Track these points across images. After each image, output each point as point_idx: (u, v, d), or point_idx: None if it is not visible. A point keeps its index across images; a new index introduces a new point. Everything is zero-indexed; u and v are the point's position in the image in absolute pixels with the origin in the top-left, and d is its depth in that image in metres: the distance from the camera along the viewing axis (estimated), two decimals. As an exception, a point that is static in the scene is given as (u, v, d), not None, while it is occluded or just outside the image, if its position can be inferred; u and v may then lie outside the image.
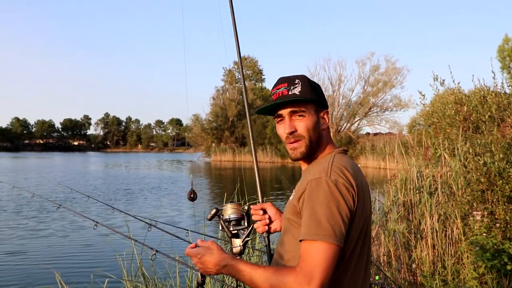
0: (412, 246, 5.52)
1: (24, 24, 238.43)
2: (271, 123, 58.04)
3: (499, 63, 21.50)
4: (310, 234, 1.50)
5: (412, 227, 5.63)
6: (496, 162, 4.79)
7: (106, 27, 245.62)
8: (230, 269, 1.63)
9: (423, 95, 8.66)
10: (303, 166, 1.86)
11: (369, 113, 52.00)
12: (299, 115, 1.76)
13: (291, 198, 1.76)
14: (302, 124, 1.75)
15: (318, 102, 1.78)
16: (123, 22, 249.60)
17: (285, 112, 1.77)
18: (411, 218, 5.75)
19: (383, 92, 50.71)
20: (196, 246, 1.77)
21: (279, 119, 1.81)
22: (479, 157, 5.07)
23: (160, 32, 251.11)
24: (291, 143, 1.77)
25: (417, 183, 5.98)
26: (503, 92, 6.51)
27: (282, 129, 1.79)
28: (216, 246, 1.71)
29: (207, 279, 3.07)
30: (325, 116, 1.82)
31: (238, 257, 1.71)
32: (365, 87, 51.69)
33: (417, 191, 5.84)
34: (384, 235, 5.58)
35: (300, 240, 1.54)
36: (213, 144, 65.06)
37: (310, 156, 1.80)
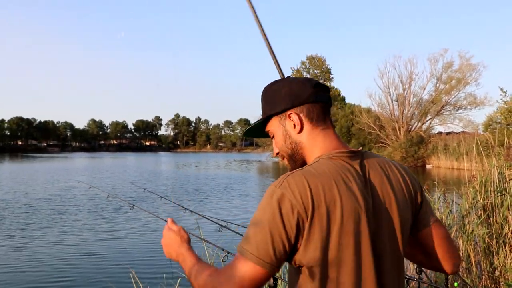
0: (493, 252, 5.26)
1: (92, 29, 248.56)
2: (340, 122, 57.64)
3: None
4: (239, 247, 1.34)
5: (494, 232, 5.35)
6: None
7: (175, 31, 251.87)
8: (178, 256, 1.56)
9: (505, 92, 8.25)
10: None
11: (442, 111, 50.34)
12: (272, 137, 1.59)
13: None
14: (276, 143, 1.57)
15: (275, 113, 1.53)
16: (190, 25, 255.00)
17: None
18: (492, 222, 5.47)
19: (457, 90, 48.89)
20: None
21: None
22: None
23: (228, 34, 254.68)
24: (282, 159, 1.61)
25: (499, 185, 5.68)
26: None
27: None
28: (181, 231, 1.62)
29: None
30: (293, 117, 1.49)
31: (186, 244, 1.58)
32: (437, 85, 50.11)
33: (499, 194, 5.55)
34: (463, 239, 5.34)
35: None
36: (281, 144, 65.24)
37: (302, 164, 1.50)
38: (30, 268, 8.52)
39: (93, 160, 67.13)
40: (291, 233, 1.27)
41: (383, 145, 50.31)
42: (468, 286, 4.56)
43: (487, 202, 5.61)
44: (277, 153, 1.57)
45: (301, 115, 1.47)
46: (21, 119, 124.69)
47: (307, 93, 1.47)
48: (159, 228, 11.92)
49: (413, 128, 50.41)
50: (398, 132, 49.35)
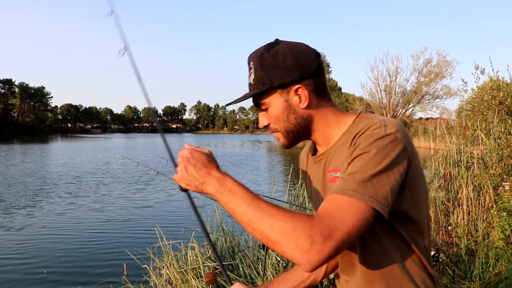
0: (450, 213, 5.47)
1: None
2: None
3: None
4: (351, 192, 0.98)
5: (451, 196, 5.56)
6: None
7: (201, 27, 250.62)
8: (217, 185, 1.02)
9: (465, 82, 8.42)
10: (320, 149, 1.26)
11: (422, 100, 50.32)
12: (263, 109, 1.21)
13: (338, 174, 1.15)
14: (269, 117, 1.20)
15: (277, 85, 1.15)
16: (209, 22, 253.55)
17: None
18: (450, 189, 5.67)
19: (435, 82, 48.86)
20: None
21: None
22: (510, 136, 4.93)
23: (244, 29, 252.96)
24: (273, 132, 1.25)
25: (456, 158, 5.87)
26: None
27: None
28: (213, 157, 1.12)
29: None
30: (300, 92, 1.15)
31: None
32: (419, 78, 49.97)
33: (456, 165, 5.74)
34: (426, 202, 5.53)
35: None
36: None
37: (301, 140, 1.24)
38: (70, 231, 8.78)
39: (129, 139, 67.64)
40: (403, 175, 1.04)
41: (373, 128, 50.25)
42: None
43: (446, 172, 5.81)
44: (265, 126, 1.23)
45: (309, 88, 1.15)
46: (70, 105, 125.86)
47: (314, 65, 1.15)
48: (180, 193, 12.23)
49: (398, 114, 50.29)
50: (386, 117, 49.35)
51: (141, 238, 7.54)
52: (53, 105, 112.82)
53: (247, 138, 78.94)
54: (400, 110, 50.95)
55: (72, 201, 11.53)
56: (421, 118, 49.24)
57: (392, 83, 50.66)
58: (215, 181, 1.02)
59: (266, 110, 1.20)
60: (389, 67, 52.23)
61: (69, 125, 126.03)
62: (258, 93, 1.17)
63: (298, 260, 0.92)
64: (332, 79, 72.65)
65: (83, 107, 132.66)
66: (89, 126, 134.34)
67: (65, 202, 11.30)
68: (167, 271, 4.11)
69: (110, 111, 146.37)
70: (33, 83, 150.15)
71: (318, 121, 1.19)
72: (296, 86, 1.14)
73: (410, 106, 51.14)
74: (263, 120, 1.22)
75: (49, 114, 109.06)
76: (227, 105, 1.25)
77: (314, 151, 1.32)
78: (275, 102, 1.17)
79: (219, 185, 1.02)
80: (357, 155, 1.03)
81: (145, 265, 4.31)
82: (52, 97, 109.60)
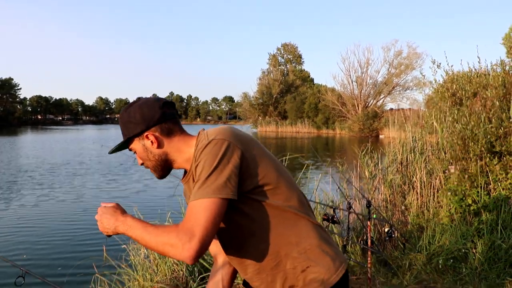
0: (405, 194, 5.95)
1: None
2: (309, 99, 58.07)
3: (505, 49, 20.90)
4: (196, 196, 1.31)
5: (406, 179, 6.05)
6: (469, 128, 5.13)
7: (171, 20, 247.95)
8: (122, 226, 1.36)
9: (423, 75, 8.97)
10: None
11: (393, 91, 51.51)
12: (134, 152, 1.56)
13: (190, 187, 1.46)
14: (139, 158, 1.56)
15: (133, 136, 1.50)
16: (183, 16, 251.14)
17: None
18: (406, 173, 6.15)
19: (405, 74, 50.09)
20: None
21: None
22: (457, 124, 5.40)
23: (217, 23, 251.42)
24: (147, 168, 1.58)
25: (412, 145, 6.35)
26: (487, 73, 6.70)
27: None
28: (119, 206, 1.44)
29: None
30: (149, 137, 1.49)
31: (128, 214, 1.41)
32: (390, 69, 51.14)
33: (411, 152, 6.22)
34: (384, 185, 6.00)
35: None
36: (260, 118, 65.80)
37: (169, 170, 1.57)
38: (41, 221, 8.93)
39: (101, 131, 66.97)
40: (238, 163, 1.35)
41: (344, 118, 51.08)
42: (383, 218, 5.21)
43: (403, 158, 6.30)
44: (142, 164, 1.56)
45: (156, 133, 1.48)
46: (40, 97, 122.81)
47: (157, 115, 1.48)
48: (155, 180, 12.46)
49: (369, 104, 51.29)
50: (357, 108, 50.20)
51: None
52: (22, 96, 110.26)
53: (221, 129, 78.24)
54: (371, 101, 52.00)
55: (46, 192, 11.58)
56: (392, 109, 50.27)
57: (363, 75, 51.80)
58: (120, 224, 1.37)
59: (135, 153, 1.54)
60: (360, 59, 53.23)
61: (39, 117, 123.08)
62: (126, 142, 1.53)
63: (180, 258, 1.26)
64: (304, 70, 73.41)
65: (53, 99, 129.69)
66: (60, 118, 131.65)
67: (39, 194, 11.33)
68: (145, 249, 4.46)
69: (81, 103, 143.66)
70: (0, 74, 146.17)
71: (173, 153, 1.51)
72: (146, 133, 1.48)
73: (381, 97, 52.29)
74: (138, 160, 1.57)
75: (18, 106, 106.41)
76: (110, 153, 1.61)
77: (184, 174, 1.59)
78: (137, 147, 1.52)
79: (123, 225, 1.36)
80: (196, 166, 1.36)
81: (124, 245, 4.62)
82: (20, 88, 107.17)
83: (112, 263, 4.37)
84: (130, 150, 1.56)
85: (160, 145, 1.49)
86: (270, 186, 1.41)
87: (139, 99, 1.55)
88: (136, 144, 1.52)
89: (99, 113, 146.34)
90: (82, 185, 12.90)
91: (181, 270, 4.14)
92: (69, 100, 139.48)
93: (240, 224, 1.44)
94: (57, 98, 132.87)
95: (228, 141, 1.35)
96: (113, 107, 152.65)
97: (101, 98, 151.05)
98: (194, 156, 1.39)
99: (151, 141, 1.48)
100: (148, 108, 1.48)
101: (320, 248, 1.47)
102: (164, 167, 1.54)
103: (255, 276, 1.52)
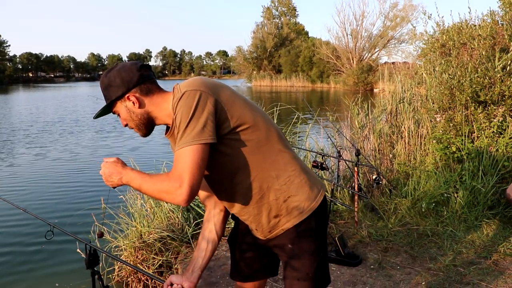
0: (394, 143, 6.12)
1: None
2: (303, 53, 57.57)
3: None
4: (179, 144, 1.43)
5: (394, 129, 6.20)
6: (456, 78, 5.23)
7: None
8: (125, 177, 1.51)
9: (414, 27, 8.98)
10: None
11: (388, 44, 50.97)
12: (118, 115, 1.66)
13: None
14: (123, 120, 1.65)
15: (115, 98, 1.60)
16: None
17: None
18: (394, 123, 6.30)
19: (400, 27, 49.37)
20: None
21: None
22: (444, 74, 5.50)
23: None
24: (131, 129, 1.69)
25: (401, 96, 6.47)
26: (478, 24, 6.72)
27: None
28: (119, 160, 1.56)
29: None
30: (131, 98, 1.58)
31: (128, 167, 1.55)
32: (385, 22, 50.41)
33: (401, 102, 6.34)
34: (373, 135, 6.15)
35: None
36: (254, 72, 65.42)
37: (152, 127, 1.68)
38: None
39: (94, 87, 66.47)
40: (212, 109, 1.46)
41: (339, 72, 50.83)
42: (371, 165, 5.38)
43: (392, 108, 6.42)
44: (126, 125, 1.65)
45: (137, 94, 1.58)
46: (30, 54, 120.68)
47: (136, 77, 1.57)
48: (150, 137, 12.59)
49: (364, 58, 50.91)
50: (352, 61, 49.84)
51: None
52: (11, 54, 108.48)
53: (215, 84, 77.72)
54: (366, 54, 51.58)
55: (40, 151, 11.62)
56: (386, 62, 50.03)
57: (358, 27, 51.11)
58: (123, 176, 1.50)
59: (119, 115, 1.64)
60: (355, 11, 52.77)
61: (30, 75, 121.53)
62: (109, 106, 1.62)
63: (175, 202, 1.41)
64: (298, 23, 72.39)
65: (44, 56, 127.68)
66: (52, 75, 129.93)
67: (35, 152, 11.39)
68: (141, 199, 4.65)
69: (73, 59, 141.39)
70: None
71: (154, 111, 1.61)
72: (127, 95, 1.58)
73: (376, 50, 51.83)
74: (122, 122, 1.65)
75: (8, 64, 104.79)
76: (95, 118, 1.71)
77: (167, 130, 1.68)
78: (120, 109, 1.61)
79: (125, 177, 1.50)
80: (174, 117, 1.47)
81: (121, 196, 4.80)
82: (9, 45, 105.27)
83: (111, 212, 4.57)
84: (114, 113, 1.66)
85: (141, 105, 1.59)
86: (247, 125, 1.53)
87: (117, 64, 1.64)
88: (119, 107, 1.61)
89: (91, 70, 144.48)
90: (77, 143, 13.02)
91: (177, 217, 4.34)
92: (60, 57, 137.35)
93: (225, 165, 1.57)
94: (48, 55, 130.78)
95: (200, 90, 1.45)
96: (105, 63, 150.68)
97: (93, 55, 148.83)
98: (173, 110, 1.49)
99: (133, 102, 1.58)
100: (127, 72, 1.58)
101: (299, 178, 1.63)
102: (147, 125, 1.64)
103: (242, 210, 1.68)
